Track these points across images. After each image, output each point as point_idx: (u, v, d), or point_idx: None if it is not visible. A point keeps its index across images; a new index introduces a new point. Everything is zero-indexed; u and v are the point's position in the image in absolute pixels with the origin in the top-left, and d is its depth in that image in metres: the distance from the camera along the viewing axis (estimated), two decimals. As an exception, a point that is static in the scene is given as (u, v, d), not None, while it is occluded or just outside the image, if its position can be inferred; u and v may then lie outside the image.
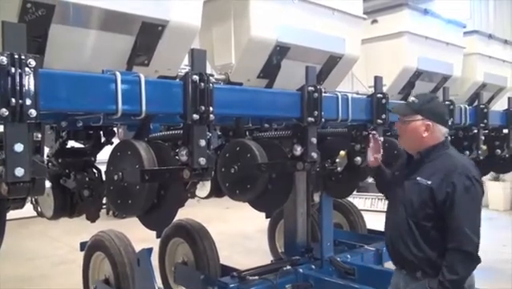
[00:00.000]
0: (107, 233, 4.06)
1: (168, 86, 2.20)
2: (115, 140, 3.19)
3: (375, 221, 5.57)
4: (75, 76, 1.92)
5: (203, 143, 2.22)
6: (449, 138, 3.12)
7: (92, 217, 3.37)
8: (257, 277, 3.87)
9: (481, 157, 4.70)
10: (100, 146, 3.23)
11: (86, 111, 2.05)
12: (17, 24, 1.74)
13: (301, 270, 4.09)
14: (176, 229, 4.55)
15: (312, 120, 2.74)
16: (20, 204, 2.37)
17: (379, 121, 3.24)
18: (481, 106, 4.45)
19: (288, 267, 4.11)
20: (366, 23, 3.76)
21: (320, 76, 3.36)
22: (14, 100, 1.63)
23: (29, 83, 1.66)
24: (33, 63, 1.68)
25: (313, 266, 4.22)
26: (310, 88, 2.75)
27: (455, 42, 4.57)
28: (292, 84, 3.12)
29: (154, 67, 2.57)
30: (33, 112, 1.68)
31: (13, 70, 1.63)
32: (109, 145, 3.47)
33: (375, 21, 4.19)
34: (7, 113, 1.62)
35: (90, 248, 4.18)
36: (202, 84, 2.18)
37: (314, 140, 2.78)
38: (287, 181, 3.05)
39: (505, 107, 5.02)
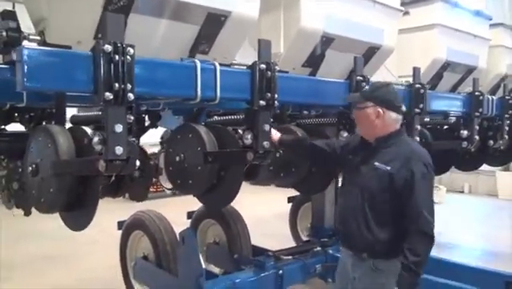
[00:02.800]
0: (146, 212, 4.24)
1: (239, 74, 2.36)
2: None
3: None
4: (164, 64, 2.08)
5: (267, 127, 2.38)
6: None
7: (140, 197, 3.56)
8: (290, 257, 4.06)
9: (502, 147, 4.87)
10: (145, 129, 3.39)
11: (171, 96, 2.21)
12: (117, 15, 1.88)
13: (330, 252, 4.28)
14: (207, 210, 4.72)
15: (360, 108, 2.88)
16: (106, 181, 2.54)
17: (417, 110, 3.39)
18: (507, 97, 4.60)
19: (318, 248, 4.31)
20: (398, 15, 3.89)
21: (357, 66, 3.51)
22: (117, 85, 1.78)
23: (129, 69, 1.81)
24: (131, 50, 1.84)
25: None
26: (359, 78, 2.89)
27: (482, 34, 4.69)
28: (332, 74, 3.27)
29: (213, 55, 2.71)
30: (131, 96, 1.84)
31: (117, 57, 1.78)
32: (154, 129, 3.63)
33: (406, 13, 4.31)
34: (111, 97, 1.78)
35: (128, 227, 4.36)
36: (269, 73, 2.34)
37: (360, 127, 2.93)
38: (331, 165, 3.21)
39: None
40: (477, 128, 4.17)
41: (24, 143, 3.12)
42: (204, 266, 3.72)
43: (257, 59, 2.40)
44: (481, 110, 4.11)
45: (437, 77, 4.42)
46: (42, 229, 6.29)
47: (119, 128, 1.82)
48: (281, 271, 3.82)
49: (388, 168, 2.32)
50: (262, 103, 2.34)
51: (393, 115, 2.42)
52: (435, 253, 4.48)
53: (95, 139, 1.85)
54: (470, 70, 4.69)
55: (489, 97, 4.38)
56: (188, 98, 2.17)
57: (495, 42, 5.06)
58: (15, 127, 3.23)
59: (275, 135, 2.79)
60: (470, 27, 4.52)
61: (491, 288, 3.70)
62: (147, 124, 3.39)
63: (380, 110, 2.39)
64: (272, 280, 3.80)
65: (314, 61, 3.24)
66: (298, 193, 6.06)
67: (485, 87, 5.20)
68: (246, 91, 2.33)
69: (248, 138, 2.41)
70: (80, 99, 2.56)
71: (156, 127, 3.68)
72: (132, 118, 1.92)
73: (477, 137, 4.15)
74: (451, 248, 6.43)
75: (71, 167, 2.03)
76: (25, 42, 2.11)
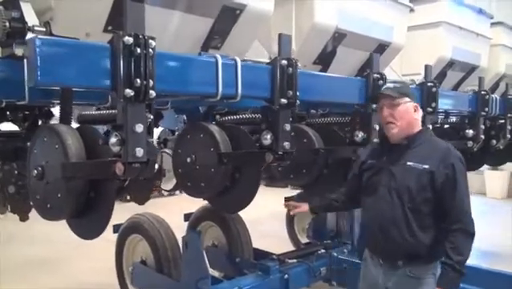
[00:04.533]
0: (144, 215, 4.06)
1: (260, 70, 2.22)
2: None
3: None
4: (186, 58, 1.93)
5: (288, 127, 2.25)
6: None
7: (142, 200, 3.40)
8: (295, 260, 3.94)
9: (501, 147, 4.84)
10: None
11: (192, 93, 2.05)
12: (137, 3, 1.72)
13: (334, 254, 4.17)
14: (206, 212, 4.57)
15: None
16: (121, 184, 2.37)
17: (429, 109, 3.30)
18: (510, 96, 4.57)
19: (322, 251, 4.20)
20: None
21: (367, 64, 3.41)
22: (139, 81, 1.63)
23: (151, 64, 1.66)
24: (153, 43, 1.69)
25: (345, 250, 4.31)
26: (376, 75, 2.79)
27: (484, 32, 4.65)
28: (342, 71, 3.16)
29: (225, 50, 2.57)
30: (153, 93, 1.68)
31: (138, 50, 1.63)
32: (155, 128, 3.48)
33: (411, 10, 4.23)
34: (132, 94, 1.63)
35: (125, 230, 4.17)
36: (290, 69, 2.21)
37: (377, 126, 2.83)
38: (344, 166, 3.10)
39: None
40: (483, 127, 4.11)
41: (18, 143, 2.93)
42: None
43: (277, 55, 2.27)
44: (486, 109, 4.06)
45: (441, 76, 4.35)
46: (33, 233, 6.07)
47: (139, 127, 1.67)
48: (286, 276, 3.70)
49: (426, 166, 2.23)
50: (284, 101, 2.21)
51: (421, 113, 2.41)
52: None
53: (113, 140, 1.69)
54: (473, 68, 4.65)
55: (494, 96, 4.34)
56: (209, 95, 2.02)
57: (495, 41, 5.03)
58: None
59: (304, 206, 2.79)
60: (474, 26, 4.47)
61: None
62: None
63: (417, 105, 2.39)
64: (277, 285, 3.67)
65: (325, 58, 3.13)
66: (294, 194, 5.99)
67: (485, 86, 5.17)
68: (267, 88, 2.19)
69: (267, 138, 2.27)
70: (85, 96, 2.39)
71: (158, 126, 3.52)
72: (152, 117, 1.77)
73: (482, 136, 4.10)
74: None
75: (83, 170, 1.86)
76: (30, 35, 1.93)
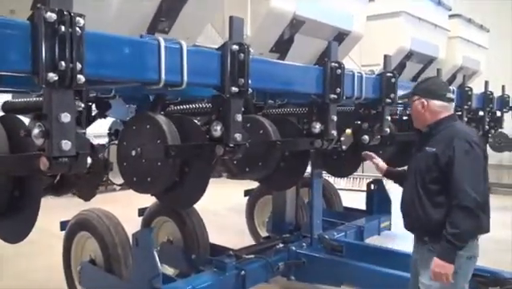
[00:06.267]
0: (93, 211, 3.82)
1: (208, 56, 2.05)
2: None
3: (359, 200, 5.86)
4: (122, 40, 1.72)
5: (239, 118, 2.10)
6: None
7: (87, 196, 3.18)
8: (252, 256, 3.82)
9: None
10: (91, 119, 3.01)
11: (129, 79, 1.85)
12: (63, -24, 1.51)
13: (293, 248, 4.08)
14: (160, 207, 4.37)
15: (335, 96, 2.67)
16: (51, 180, 2.14)
17: (388, 100, 3.23)
18: (466, 88, 4.59)
19: (280, 245, 4.09)
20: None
21: (326, 53, 3.30)
22: (63, 64, 1.43)
23: (78, 44, 1.46)
24: (81, 22, 1.48)
25: (304, 244, 4.23)
26: (334, 64, 2.67)
27: (442, 24, 4.66)
28: (299, 60, 3.03)
29: (173, 34, 2.38)
30: (82, 78, 1.49)
31: (63, 29, 1.42)
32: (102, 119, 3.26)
33: (371, -1, 4.16)
34: (56, 78, 1.42)
35: (73, 227, 3.92)
36: (242, 55, 2.05)
37: (334, 117, 2.73)
38: (302, 158, 2.99)
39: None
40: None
41: None
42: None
43: (226, 40, 2.09)
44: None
45: (400, 67, 4.31)
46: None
47: (66, 117, 1.47)
48: (243, 272, 3.56)
49: (434, 149, 2.45)
50: (235, 89, 2.05)
51: (437, 103, 2.55)
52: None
53: (35, 131, 1.49)
54: (431, 60, 4.65)
55: (452, 88, 4.34)
56: (150, 82, 1.83)
57: (452, 34, 5.05)
58: None
59: (382, 166, 3.05)
60: (432, 17, 4.46)
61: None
62: (94, 113, 3.02)
63: (424, 101, 2.55)
64: (234, 281, 3.54)
65: (282, 46, 2.99)
66: (254, 186, 5.87)
67: (443, 78, 5.19)
68: (216, 75, 2.03)
69: (217, 130, 2.11)
70: (14, 81, 2.15)
71: (105, 117, 3.29)
72: (82, 105, 1.57)
73: (441, 128, 4.09)
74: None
75: (4, 165, 1.65)
76: None
